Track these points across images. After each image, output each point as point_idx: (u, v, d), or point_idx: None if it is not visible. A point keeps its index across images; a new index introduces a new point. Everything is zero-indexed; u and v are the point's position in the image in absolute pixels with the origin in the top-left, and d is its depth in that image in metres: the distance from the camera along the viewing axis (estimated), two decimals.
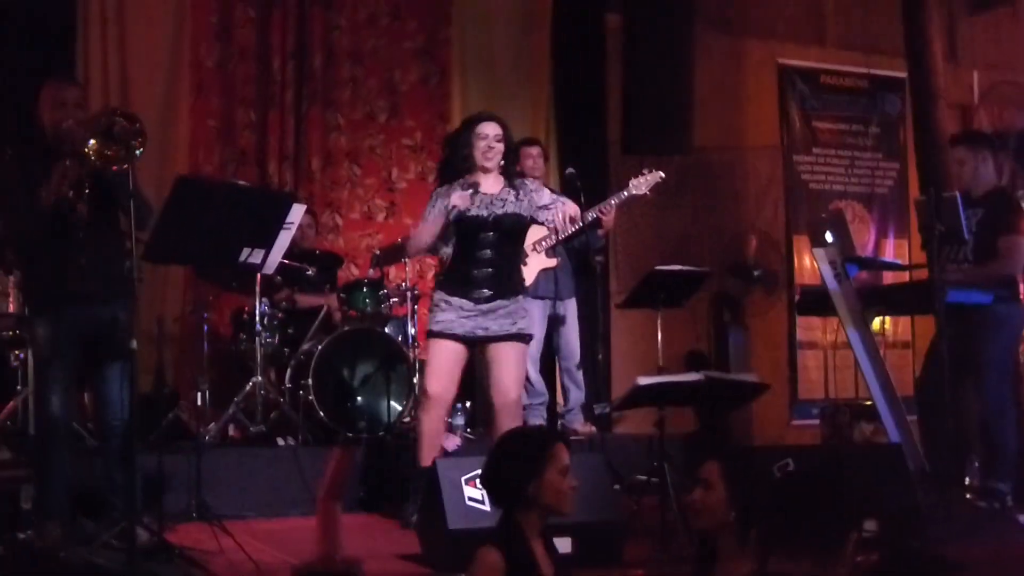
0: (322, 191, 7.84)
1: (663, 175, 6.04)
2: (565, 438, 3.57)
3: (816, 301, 6.51)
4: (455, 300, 5.09)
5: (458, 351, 5.10)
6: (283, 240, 5.64)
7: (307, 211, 6.95)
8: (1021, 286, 5.97)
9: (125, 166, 4.33)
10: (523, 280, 5.38)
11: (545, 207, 5.18)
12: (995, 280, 5.77)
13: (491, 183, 5.17)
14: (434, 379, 5.08)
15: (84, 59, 7.23)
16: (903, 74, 8.05)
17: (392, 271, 7.35)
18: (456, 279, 5.16)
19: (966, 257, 5.86)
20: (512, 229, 5.19)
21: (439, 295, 5.17)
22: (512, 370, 5.13)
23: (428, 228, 5.21)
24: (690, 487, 3.35)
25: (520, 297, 5.21)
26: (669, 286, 6.61)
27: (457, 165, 5.20)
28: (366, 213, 8.02)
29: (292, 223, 5.90)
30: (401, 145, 8.11)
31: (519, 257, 5.40)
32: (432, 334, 5.12)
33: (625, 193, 6.07)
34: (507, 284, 5.16)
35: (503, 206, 5.14)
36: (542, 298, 6.51)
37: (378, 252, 7.14)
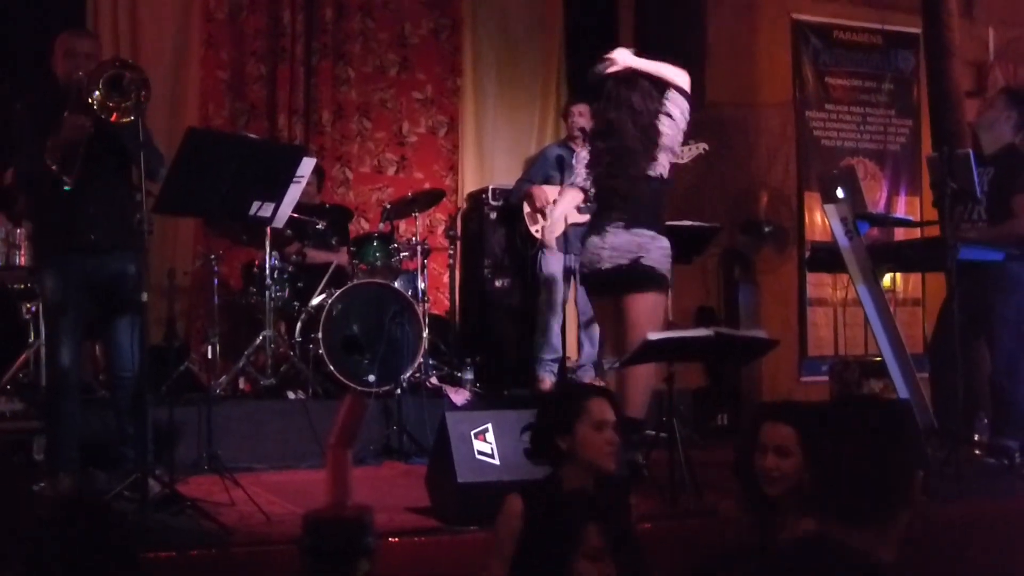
0: (332, 145, 7.81)
1: (706, 147, 5.99)
2: (607, 394, 3.49)
3: (827, 258, 6.48)
4: None
5: None
6: (293, 194, 5.62)
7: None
8: None
9: (132, 118, 4.32)
10: None
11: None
12: (1011, 240, 5.74)
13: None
14: None
15: (94, 11, 7.20)
16: (917, 30, 7.97)
17: (402, 225, 7.33)
18: None
19: (980, 215, 5.83)
20: None
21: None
22: None
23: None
24: (748, 450, 3.21)
25: None
26: (679, 241, 6.57)
27: None
28: (376, 167, 8.00)
29: (302, 177, 5.88)
30: (411, 99, 8.07)
31: None
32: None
33: None
34: None
35: None
36: (569, 253, 6.51)
37: (388, 206, 7.13)
